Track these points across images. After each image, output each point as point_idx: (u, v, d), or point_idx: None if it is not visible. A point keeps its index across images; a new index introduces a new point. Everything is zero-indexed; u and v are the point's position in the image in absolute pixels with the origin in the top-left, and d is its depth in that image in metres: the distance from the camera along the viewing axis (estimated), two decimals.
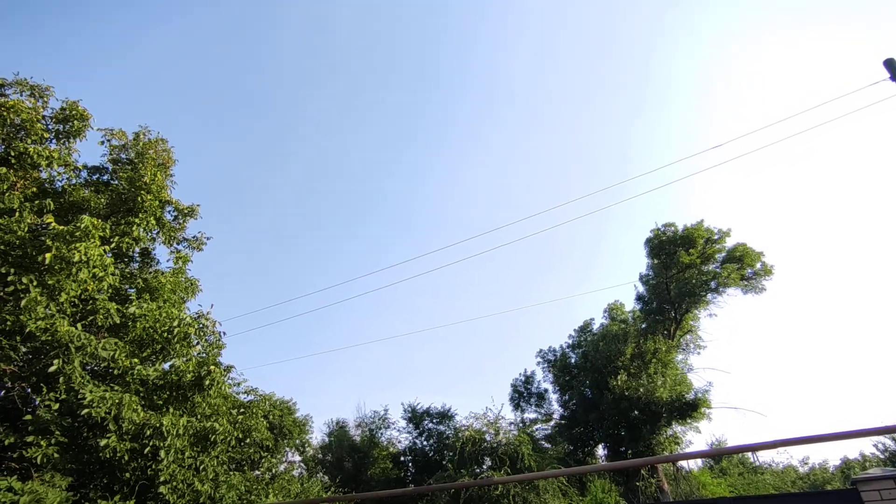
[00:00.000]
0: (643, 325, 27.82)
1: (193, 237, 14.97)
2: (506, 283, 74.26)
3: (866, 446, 29.46)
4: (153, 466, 9.11)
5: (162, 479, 9.10)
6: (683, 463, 26.14)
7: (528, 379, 30.67)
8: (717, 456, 29.90)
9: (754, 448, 9.67)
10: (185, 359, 11.50)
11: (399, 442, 25.61)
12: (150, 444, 8.99)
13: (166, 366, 11.62)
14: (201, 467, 9.98)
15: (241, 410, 12.83)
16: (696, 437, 25.42)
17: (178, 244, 14.83)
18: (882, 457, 26.92)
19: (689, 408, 23.60)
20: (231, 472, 11.86)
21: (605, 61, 77.29)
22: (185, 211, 14.89)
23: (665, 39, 75.33)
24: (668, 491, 22.74)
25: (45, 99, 12.46)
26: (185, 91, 71.57)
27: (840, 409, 47.40)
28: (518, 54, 77.63)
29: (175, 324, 11.35)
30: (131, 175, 13.17)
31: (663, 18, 74.54)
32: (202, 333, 12.43)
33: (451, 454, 20.08)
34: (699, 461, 29.57)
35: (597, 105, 77.85)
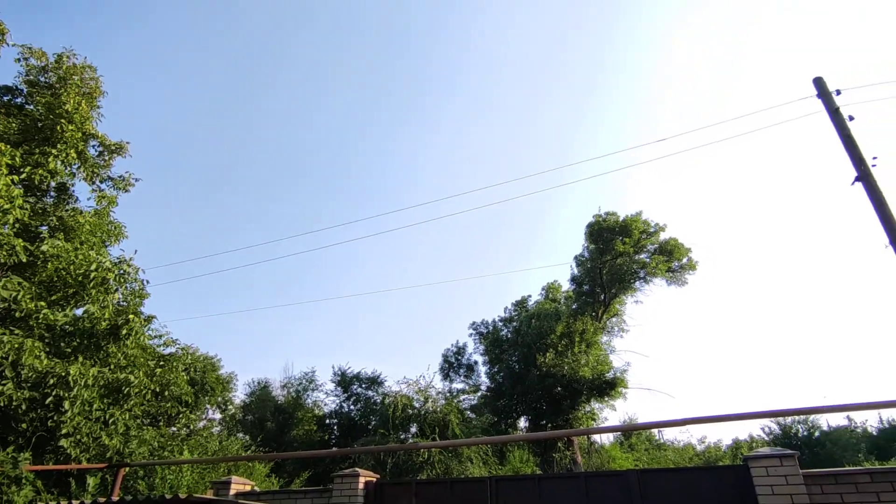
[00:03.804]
0: (574, 306, 28.81)
1: (120, 177, 13.92)
2: (449, 253, 74.63)
3: (754, 429, 32.42)
4: (55, 418, 8.50)
5: (64, 431, 8.50)
6: (597, 438, 27.64)
7: (460, 350, 31.18)
8: (630, 431, 31.76)
9: (661, 425, 10.35)
10: (101, 305, 10.73)
11: (325, 405, 25.47)
12: (54, 393, 8.37)
13: (79, 311, 10.83)
14: (111, 421, 9.43)
15: (161, 363, 12.23)
16: (612, 415, 26.88)
17: (101, 183, 13.75)
18: (767, 438, 29.69)
19: (608, 386, 24.82)
20: (145, 427, 11.31)
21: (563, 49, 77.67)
22: (113, 147, 13.79)
23: (619, 33, 76.47)
24: (581, 463, 23.99)
25: None
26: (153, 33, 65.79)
27: (736, 394, 51.72)
28: (480, 35, 76.46)
29: (92, 267, 10.53)
30: (50, 101, 12.00)
31: (618, 10, 75.50)
32: (122, 280, 11.64)
33: (377, 419, 20.16)
34: (611, 437, 31.37)
35: (550, 92, 78.39)
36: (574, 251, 30.77)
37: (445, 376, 30.50)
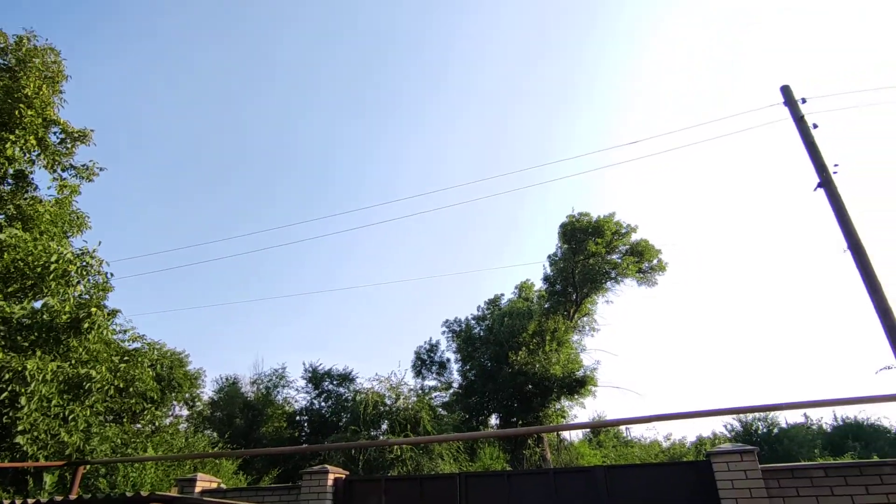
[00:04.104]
0: (546, 305, 29.12)
1: (83, 165, 13.48)
2: (427, 252, 74.31)
3: (717, 426, 33.53)
4: (10, 414, 8.18)
5: (20, 427, 8.20)
6: (566, 435, 28.04)
7: (433, 347, 31.22)
8: (598, 428, 32.36)
9: (629, 422, 10.56)
10: (61, 298, 10.38)
11: (296, 401, 25.18)
12: (9, 389, 8.06)
13: (38, 304, 10.45)
14: (70, 417, 9.13)
15: (125, 358, 11.89)
16: (581, 412, 27.32)
17: (63, 171, 13.29)
18: (729, 436, 30.71)
19: (578, 385, 25.18)
20: (107, 424, 10.99)
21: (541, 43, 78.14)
22: (76, 134, 13.33)
23: (597, 32, 77.30)
24: (551, 460, 24.31)
25: None
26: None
27: (701, 392, 53.18)
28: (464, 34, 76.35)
29: (52, 259, 10.18)
30: (9, 84, 11.55)
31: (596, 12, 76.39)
32: (85, 272, 11.28)
33: (348, 416, 20.03)
34: (580, 434, 31.91)
35: (531, 91, 78.85)
36: (550, 250, 31.12)
37: (418, 373, 30.54)
